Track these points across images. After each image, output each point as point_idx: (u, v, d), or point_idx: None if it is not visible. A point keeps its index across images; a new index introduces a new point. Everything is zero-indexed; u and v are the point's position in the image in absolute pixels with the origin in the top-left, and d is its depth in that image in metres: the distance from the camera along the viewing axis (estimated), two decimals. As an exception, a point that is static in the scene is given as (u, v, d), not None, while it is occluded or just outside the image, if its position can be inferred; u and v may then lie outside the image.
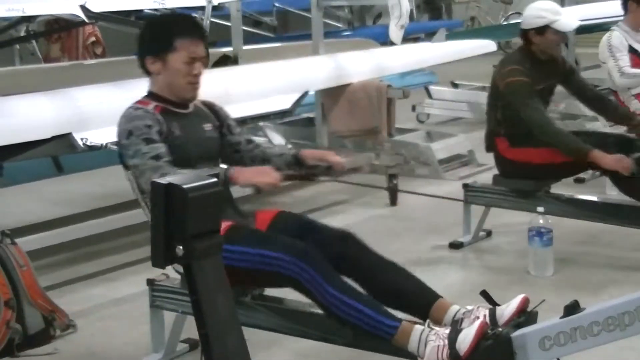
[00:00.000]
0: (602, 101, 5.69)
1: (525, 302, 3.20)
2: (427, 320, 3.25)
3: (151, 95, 3.69)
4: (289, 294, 3.65)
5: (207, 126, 3.77)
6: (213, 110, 3.88)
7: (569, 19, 5.33)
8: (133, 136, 3.49)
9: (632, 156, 4.95)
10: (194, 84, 3.67)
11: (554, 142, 5.08)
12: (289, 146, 3.85)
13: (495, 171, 5.52)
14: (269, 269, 3.32)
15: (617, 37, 6.65)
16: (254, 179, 3.42)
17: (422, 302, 3.38)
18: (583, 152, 5.00)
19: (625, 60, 6.57)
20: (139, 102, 3.67)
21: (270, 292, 3.71)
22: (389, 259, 3.52)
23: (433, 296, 3.40)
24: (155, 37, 3.66)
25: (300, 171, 3.75)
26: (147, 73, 3.70)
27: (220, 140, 3.83)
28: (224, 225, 3.38)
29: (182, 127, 3.62)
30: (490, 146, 5.44)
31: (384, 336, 3.18)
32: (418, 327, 3.15)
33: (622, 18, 6.89)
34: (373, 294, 3.39)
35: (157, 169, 3.37)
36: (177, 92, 3.66)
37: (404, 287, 3.44)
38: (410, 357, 3.17)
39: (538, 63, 5.26)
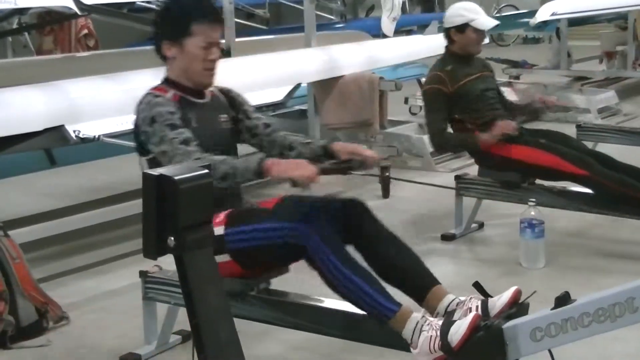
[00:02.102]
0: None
1: (518, 294, 3.22)
2: (423, 310, 3.25)
3: (167, 82, 3.63)
4: (282, 286, 3.67)
5: (223, 117, 3.71)
6: (229, 97, 3.82)
7: (487, 19, 5.56)
8: (157, 123, 3.41)
9: (517, 119, 5.38)
10: (211, 69, 3.61)
11: (448, 145, 5.67)
12: (312, 140, 3.84)
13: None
14: (277, 241, 3.28)
15: None
16: (290, 173, 3.28)
17: (420, 285, 3.38)
18: (473, 141, 5.32)
19: None
20: (156, 88, 3.60)
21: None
22: (394, 233, 3.49)
23: (431, 281, 3.39)
24: (171, 21, 3.59)
25: (337, 165, 3.58)
26: (163, 58, 3.64)
27: (237, 127, 3.79)
28: (223, 214, 3.40)
29: (198, 118, 3.57)
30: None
31: (381, 318, 3.18)
32: (415, 316, 3.15)
33: (612, 10, 6.92)
34: (374, 265, 3.40)
35: (189, 154, 3.33)
36: (194, 78, 3.60)
37: (405, 265, 3.42)
38: (402, 347, 3.18)
39: (460, 61, 5.46)
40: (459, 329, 3.03)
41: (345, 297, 3.24)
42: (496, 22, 5.63)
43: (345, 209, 3.50)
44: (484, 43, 5.53)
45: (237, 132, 3.80)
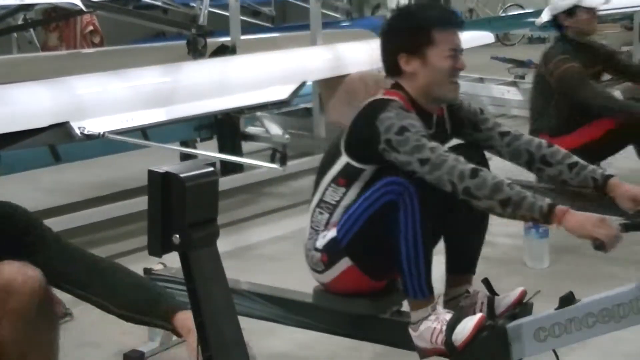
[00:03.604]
0: None
1: (523, 294, 3.23)
2: (434, 302, 3.21)
3: (408, 96, 3.29)
4: (287, 284, 3.67)
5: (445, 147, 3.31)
6: (457, 118, 3.47)
7: None
8: (409, 132, 3.09)
9: None
10: (456, 82, 3.33)
11: (623, 111, 5.14)
12: (579, 160, 3.42)
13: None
14: (376, 206, 3.14)
15: None
16: (594, 232, 2.94)
17: (459, 263, 3.46)
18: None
19: None
20: (400, 97, 3.28)
21: (268, 281, 3.72)
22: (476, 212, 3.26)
23: (469, 267, 3.48)
24: (410, 31, 3.29)
25: (635, 220, 3.15)
26: (396, 74, 3.33)
27: (469, 140, 3.48)
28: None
29: None
30: None
31: (409, 293, 3.17)
32: (428, 308, 3.17)
33: (617, 11, 6.92)
34: (441, 221, 3.30)
35: (459, 161, 3.05)
36: (438, 94, 3.30)
37: (466, 239, 3.46)
38: (406, 346, 3.19)
39: (579, 49, 5.23)
40: (464, 329, 3.04)
41: (399, 255, 3.12)
42: None
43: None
44: (489, 42, 5.47)
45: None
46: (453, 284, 3.43)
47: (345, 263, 3.27)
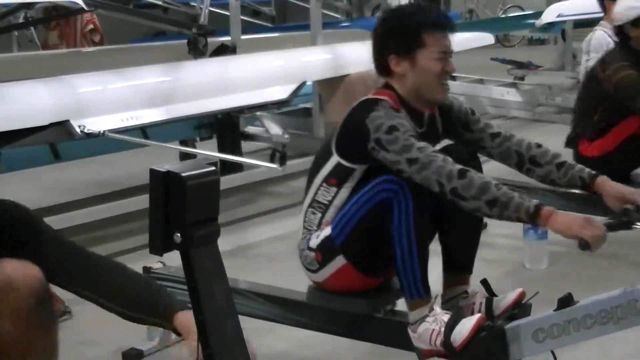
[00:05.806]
0: None
1: (522, 295, 3.23)
2: (431, 301, 3.22)
3: (398, 96, 3.32)
4: (286, 284, 3.68)
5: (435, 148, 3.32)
6: (447, 118, 3.48)
7: None
8: (399, 132, 3.11)
9: None
10: (446, 84, 3.31)
11: None
12: (564, 159, 3.49)
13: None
14: (371, 205, 3.15)
15: (598, 38, 6.59)
16: (580, 231, 2.94)
17: (454, 262, 3.46)
18: None
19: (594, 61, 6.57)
20: (390, 97, 3.30)
21: (267, 280, 3.73)
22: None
23: (465, 267, 3.47)
24: (399, 33, 3.31)
25: (621, 221, 3.29)
26: (387, 74, 3.37)
27: (457, 142, 3.50)
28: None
29: None
30: (570, 144, 5.31)
31: (406, 293, 3.18)
32: (425, 308, 3.17)
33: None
34: (439, 221, 3.35)
35: (448, 162, 3.05)
36: (427, 95, 3.31)
37: (461, 238, 3.45)
38: (405, 346, 3.19)
39: (638, 60, 5.04)
40: (462, 330, 3.04)
41: (393, 251, 3.14)
42: None
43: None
44: (489, 44, 5.41)
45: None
46: (450, 283, 3.43)
47: (339, 261, 3.28)
